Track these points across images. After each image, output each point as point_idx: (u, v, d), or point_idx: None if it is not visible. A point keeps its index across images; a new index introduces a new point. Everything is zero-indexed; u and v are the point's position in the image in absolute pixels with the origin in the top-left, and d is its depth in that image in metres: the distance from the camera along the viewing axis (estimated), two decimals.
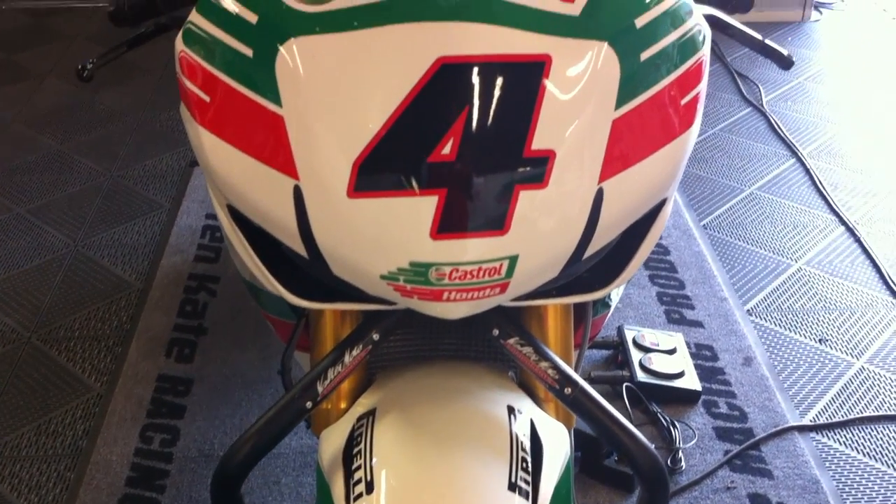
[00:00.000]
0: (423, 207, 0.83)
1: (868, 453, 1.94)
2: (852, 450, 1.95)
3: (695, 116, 0.93)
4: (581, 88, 0.84)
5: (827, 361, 2.18)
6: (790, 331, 2.28)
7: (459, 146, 0.81)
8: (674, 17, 0.90)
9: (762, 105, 3.33)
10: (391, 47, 0.83)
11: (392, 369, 1.11)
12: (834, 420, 2.02)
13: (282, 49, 0.85)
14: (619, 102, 0.86)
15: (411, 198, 0.83)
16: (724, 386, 2.11)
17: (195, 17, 0.92)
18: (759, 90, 3.42)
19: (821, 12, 4.12)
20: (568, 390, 1.00)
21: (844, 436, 1.99)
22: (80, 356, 2.24)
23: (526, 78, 0.83)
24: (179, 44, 0.94)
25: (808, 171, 2.92)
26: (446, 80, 0.82)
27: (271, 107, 0.85)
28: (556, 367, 1.01)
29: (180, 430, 2.01)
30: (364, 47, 0.84)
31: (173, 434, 2.00)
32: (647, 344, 2.14)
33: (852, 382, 2.12)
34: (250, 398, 2.10)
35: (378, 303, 0.95)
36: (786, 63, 1.11)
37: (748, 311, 2.35)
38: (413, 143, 0.82)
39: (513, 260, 0.86)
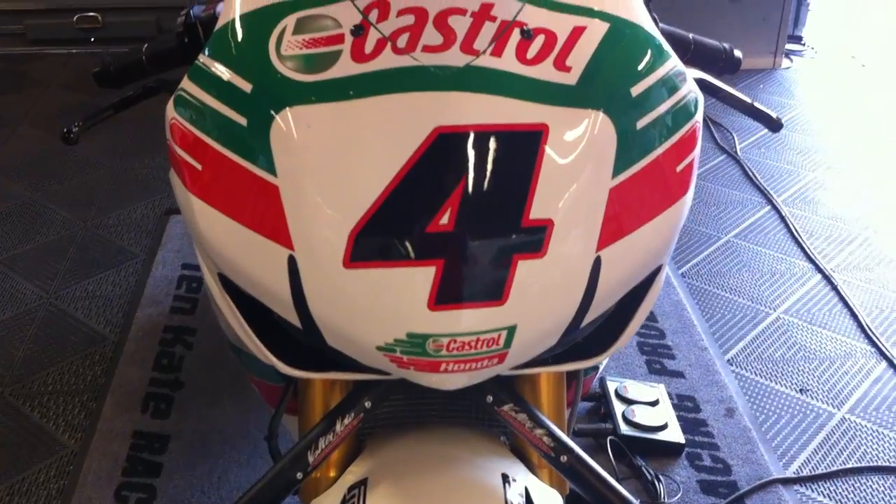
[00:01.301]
0: (421, 278, 0.82)
1: None
2: (836, 502, 1.94)
3: (690, 183, 0.92)
4: (578, 157, 0.84)
5: (808, 412, 2.18)
6: (771, 381, 2.28)
7: (457, 216, 0.81)
8: (668, 85, 0.90)
9: (736, 152, 3.36)
10: (388, 117, 0.82)
11: (382, 436, 1.09)
12: (817, 472, 2.01)
13: (277, 118, 0.84)
14: (616, 171, 0.86)
15: (408, 268, 0.82)
16: (708, 438, 2.10)
17: (187, 84, 0.91)
18: (733, 137, 3.45)
19: (791, 59, 4.18)
20: (564, 458, 0.99)
21: (828, 488, 1.98)
22: (53, 412, 2.19)
23: (523, 147, 0.83)
24: (171, 110, 0.92)
25: (783, 219, 2.94)
26: (443, 149, 0.81)
27: (266, 176, 0.84)
28: (551, 434, 1.00)
29: (157, 490, 1.97)
30: (360, 117, 0.83)
31: (150, 493, 1.96)
32: (629, 396, 2.13)
33: (834, 433, 2.12)
34: (229, 455, 2.06)
35: (372, 373, 0.93)
36: (774, 126, 1.11)
37: (728, 360, 2.35)
38: (410, 212, 0.81)
39: (511, 330, 0.84)
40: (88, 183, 3.18)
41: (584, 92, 0.85)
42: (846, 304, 2.54)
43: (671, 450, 2.05)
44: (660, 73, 0.90)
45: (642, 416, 2.08)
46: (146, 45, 1.11)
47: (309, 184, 0.83)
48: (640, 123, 0.87)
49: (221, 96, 0.88)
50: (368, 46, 0.85)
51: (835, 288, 2.61)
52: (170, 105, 0.93)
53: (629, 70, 0.88)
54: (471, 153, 0.81)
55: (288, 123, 0.84)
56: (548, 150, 0.83)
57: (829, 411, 2.18)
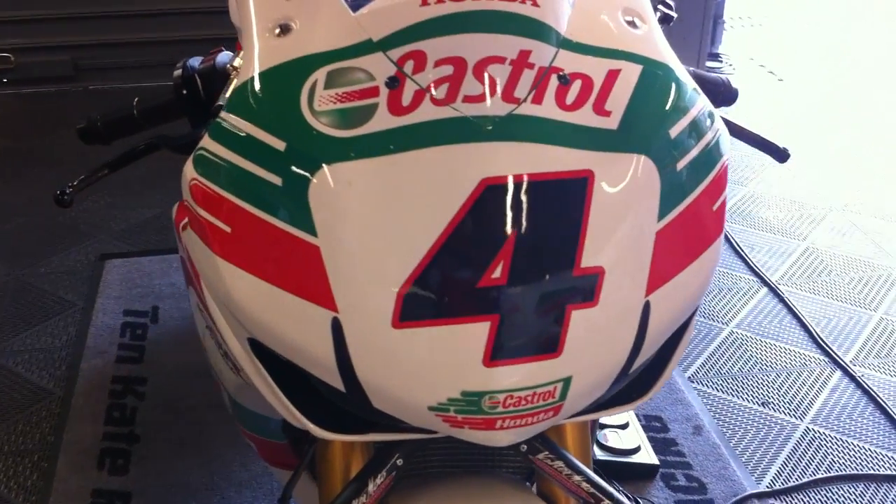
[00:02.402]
0: (475, 334, 0.79)
1: None
2: None
3: (724, 221, 0.92)
4: (625, 202, 0.83)
5: (773, 425, 2.21)
6: (732, 396, 2.30)
7: (510, 269, 0.79)
8: (701, 124, 0.90)
9: None
10: (432, 171, 0.80)
11: (406, 490, 1.05)
12: (790, 484, 2.04)
13: (315, 177, 0.81)
14: (661, 214, 0.85)
15: (462, 325, 0.79)
16: (679, 457, 2.11)
17: (209, 143, 0.87)
18: None
19: None
20: (605, 503, 0.97)
21: (802, 500, 2.01)
22: (3, 474, 2.08)
23: (571, 195, 0.81)
24: (190, 170, 0.88)
25: (724, 234, 2.99)
26: (491, 201, 0.79)
27: (305, 237, 0.81)
28: (589, 480, 0.98)
29: None
30: (403, 172, 0.80)
31: None
32: (599, 420, 2.12)
33: (800, 444, 2.15)
34: None
35: (417, 432, 0.90)
36: (782, 156, 1.12)
37: (689, 377, 2.37)
38: (461, 268, 0.79)
39: (567, 381, 0.83)
40: (15, 231, 3.05)
41: (625, 136, 0.84)
42: (795, 316, 2.59)
43: (646, 472, 2.05)
44: (693, 112, 0.89)
45: (614, 439, 2.08)
46: (137, 100, 1.06)
47: (353, 243, 0.80)
48: (680, 165, 0.86)
49: (251, 155, 0.84)
50: (406, 98, 0.82)
51: (782, 300, 2.66)
52: (188, 165, 0.89)
53: (666, 111, 0.87)
54: (519, 204, 0.79)
55: (327, 181, 0.81)
56: (595, 196, 0.81)
57: (793, 423, 2.22)
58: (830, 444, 2.15)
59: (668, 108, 0.87)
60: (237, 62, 0.99)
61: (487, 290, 0.79)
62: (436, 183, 0.80)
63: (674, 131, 0.87)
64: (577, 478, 0.98)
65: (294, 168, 0.82)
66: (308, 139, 0.82)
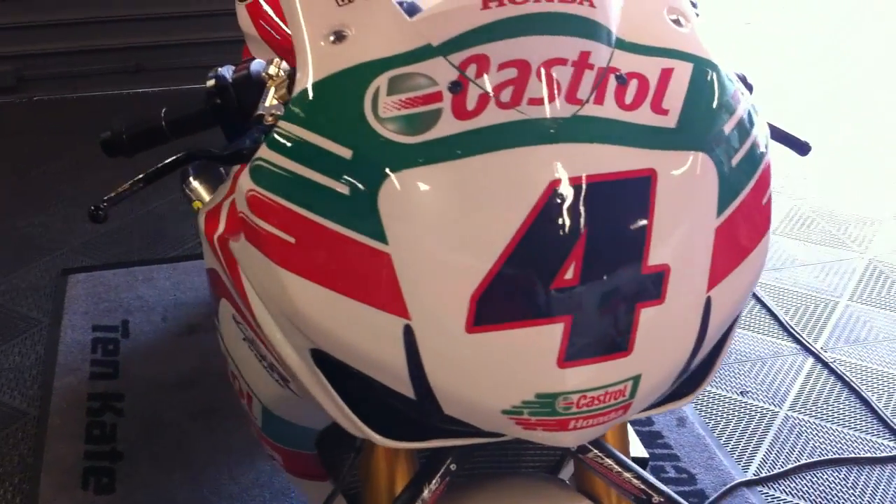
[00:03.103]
0: (549, 336, 0.80)
1: (814, 500, 2.01)
2: (800, 498, 2.02)
3: (771, 215, 0.94)
4: (687, 199, 0.84)
5: (753, 413, 2.26)
6: (712, 386, 2.34)
7: (581, 270, 0.79)
8: (749, 120, 0.91)
9: None
10: (501, 174, 0.80)
11: (450, 493, 1.05)
12: (776, 471, 2.08)
13: (384, 184, 0.80)
14: (720, 209, 0.86)
15: (536, 327, 0.80)
16: (666, 449, 2.14)
17: (267, 153, 0.86)
18: None
19: None
20: (655, 499, 0.98)
21: (789, 486, 2.05)
22: None
23: (636, 194, 0.82)
24: (247, 182, 0.87)
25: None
26: (561, 203, 0.80)
27: (375, 244, 0.80)
28: (640, 477, 0.99)
29: None
30: (472, 176, 0.80)
31: None
32: None
33: (782, 431, 2.20)
34: None
35: (482, 437, 0.90)
36: (804, 149, 1.15)
37: None
38: (534, 270, 0.79)
39: (636, 379, 0.84)
40: None
41: (684, 134, 0.85)
42: (764, 305, 2.64)
43: (637, 465, 2.07)
44: (742, 108, 0.91)
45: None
46: (165, 110, 1.04)
47: (425, 249, 0.80)
48: (734, 161, 0.88)
49: (315, 165, 0.83)
50: (470, 103, 0.82)
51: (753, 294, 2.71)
52: (245, 176, 0.87)
53: (720, 108, 0.88)
54: (588, 204, 0.80)
55: (397, 188, 0.80)
56: (659, 194, 0.83)
57: (773, 410, 2.26)
58: (810, 429, 2.21)
59: (720, 105, 0.89)
60: (272, 70, 0.98)
61: (560, 292, 0.79)
62: (505, 186, 0.80)
63: (727, 128, 0.88)
64: (626, 475, 0.99)
65: (362, 176, 0.81)
66: (375, 146, 0.81)
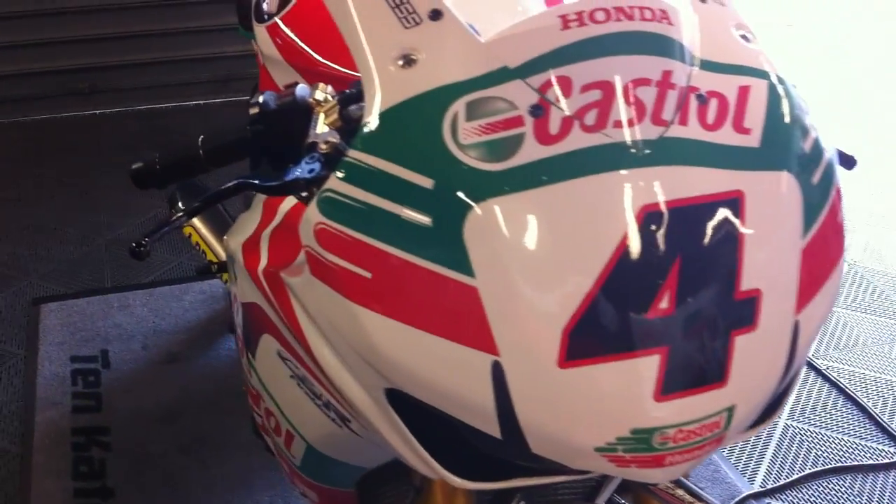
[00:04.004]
0: (646, 368, 0.77)
1: None
2: None
3: (845, 233, 0.92)
4: (775, 221, 0.82)
5: None
6: None
7: (676, 298, 0.76)
8: (822, 138, 0.89)
9: None
10: (590, 201, 0.77)
11: None
12: (782, 482, 2.07)
13: (470, 214, 0.76)
14: (805, 230, 0.84)
15: (632, 360, 0.76)
16: None
17: (337, 184, 0.81)
18: None
19: None
20: None
21: (796, 496, 2.04)
22: None
23: (725, 217, 0.80)
24: (315, 214, 0.82)
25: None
26: (653, 229, 0.76)
27: (461, 278, 0.76)
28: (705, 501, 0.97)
29: None
30: (560, 204, 0.77)
31: None
32: None
33: (783, 441, 2.19)
34: None
35: (568, 474, 0.86)
36: (849, 163, 1.13)
37: None
38: (629, 300, 0.76)
39: (731, 410, 0.81)
40: None
41: (768, 153, 0.83)
42: None
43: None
44: (814, 125, 0.89)
45: None
46: (202, 139, 0.98)
47: (514, 281, 0.76)
48: (814, 179, 0.86)
49: (393, 195, 0.79)
50: (553, 127, 0.78)
51: None
52: (312, 209, 0.83)
53: (797, 126, 0.86)
54: (680, 229, 0.77)
55: (483, 218, 0.76)
56: (748, 216, 0.80)
57: (773, 421, 2.25)
58: (812, 438, 2.20)
59: (797, 122, 0.86)
60: (318, 95, 0.94)
61: (656, 322, 0.76)
62: (595, 213, 0.77)
63: (807, 145, 0.86)
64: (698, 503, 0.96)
65: (445, 206, 0.77)
66: (458, 175, 0.77)
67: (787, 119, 0.86)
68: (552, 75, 0.80)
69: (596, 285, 0.75)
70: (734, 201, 0.80)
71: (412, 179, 0.78)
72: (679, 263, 0.76)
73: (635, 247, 0.76)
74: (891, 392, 2.34)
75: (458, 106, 0.80)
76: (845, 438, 2.20)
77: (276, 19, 1.31)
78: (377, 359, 0.81)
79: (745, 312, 0.79)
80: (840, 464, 2.12)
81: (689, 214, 0.78)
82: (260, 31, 1.32)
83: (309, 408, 1.03)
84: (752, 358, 0.80)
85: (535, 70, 0.80)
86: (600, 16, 0.81)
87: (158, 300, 2.73)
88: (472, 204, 0.77)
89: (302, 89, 0.95)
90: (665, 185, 0.78)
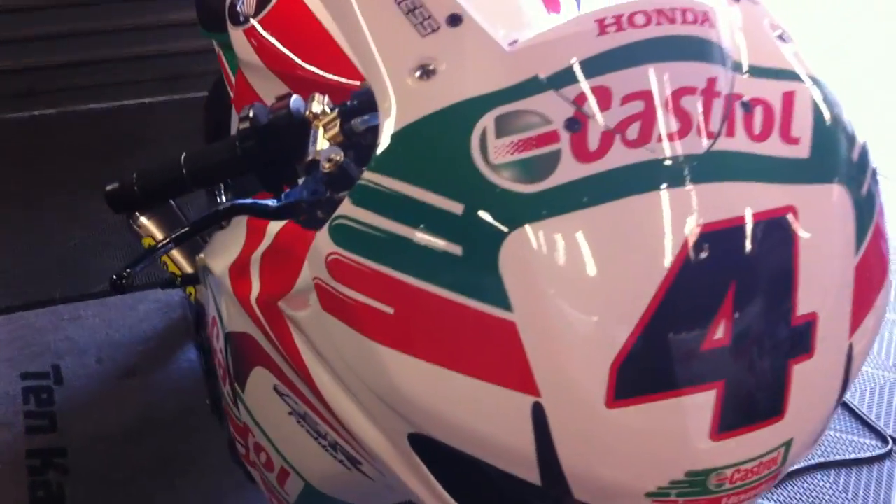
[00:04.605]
0: (701, 405, 0.70)
1: None
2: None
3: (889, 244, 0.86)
4: (829, 237, 0.76)
5: None
6: None
7: (732, 327, 0.69)
8: (867, 145, 0.83)
9: None
10: (636, 223, 0.70)
11: None
12: None
13: (507, 241, 0.69)
14: (857, 245, 0.78)
15: (686, 396, 0.70)
16: None
17: (353, 210, 0.73)
18: None
19: None
20: None
21: (781, 493, 2.02)
22: None
23: (779, 236, 0.73)
24: (326, 244, 0.74)
25: None
26: (706, 252, 0.70)
27: (497, 312, 0.69)
28: None
29: None
30: (604, 228, 0.70)
31: None
32: None
33: None
34: None
35: None
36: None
37: None
38: (682, 332, 0.70)
39: (788, 445, 0.75)
40: None
41: (818, 164, 0.77)
42: None
43: None
44: (858, 132, 0.82)
45: None
46: (185, 157, 0.89)
47: (556, 314, 0.69)
48: (863, 190, 0.80)
49: (418, 222, 0.71)
50: (592, 142, 0.71)
51: None
52: (324, 237, 0.74)
53: (843, 133, 0.80)
54: (734, 252, 0.71)
55: (522, 245, 0.69)
56: (801, 234, 0.74)
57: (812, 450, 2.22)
58: None
59: (843, 129, 0.80)
60: (315, 107, 0.86)
61: (711, 354, 0.70)
62: (642, 237, 0.70)
63: (854, 154, 0.80)
64: None
65: (478, 233, 0.69)
66: (491, 198, 0.70)
67: (834, 126, 0.79)
68: (589, 85, 0.72)
69: (645, 316, 0.69)
70: (787, 218, 0.73)
71: (439, 204, 0.70)
72: (734, 289, 0.70)
73: (687, 273, 0.69)
74: (873, 386, 2.32)
75: (487, 121, 0.72)
76: (829, 434, 2.17)
77: (254, 22, 1.21)
78: (401, 402, 0.73)
79: (801, 339, 0.73)
80: (824, 459, 2.09)
81: (741, 235, 0.71)
82: (236, 34, 1.22)
83: (311, 447, 0.95)
84: (809, 387, 0.74)
85: (570, 80, 0.73)
86: (640, 19, 0.74)
87: (111, 311, 2.61)
88: (509, 230, 0.69)
89: (296, 101, 0.87)
90: (716, 204, 0.71)
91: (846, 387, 0.79)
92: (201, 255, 1.18)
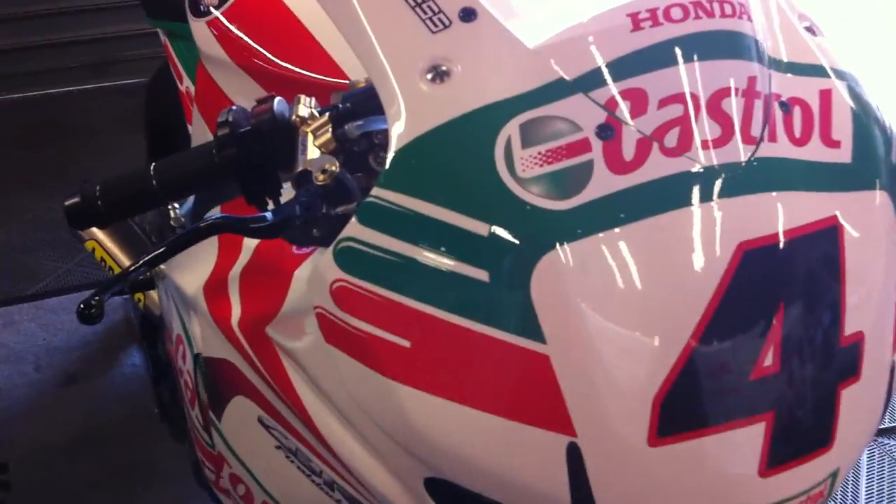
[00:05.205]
0: (749, 439, 0.65)
1: None
2: None
3: None
4: (873, 248, 0.71)
5: None
6: None
7: (782, 353, 0.64)
8: None
9: None
10: (677, 241, 0.64)
11: None
12: None
13: (539, 266, 0.62)
14: None
15: (735, 430, 0.64)
16: None
17: (360, 231, 0.65)
18: None
19: None
20: None
21: None
22: None
23: (825, 250, 0.68)
24: (331, 269, 0.66)
25: None
26: (753, 272, 0.64)
27: (528, 345, 0.62)
28: None
29: None
30: (644, 246, 0.64)
31: None
32: None
33: None
34: None
35: None
36: None
37: None
38: (729, 361, 0.64)
39: (834, 476, 0.70)
40: None
41: (861, 169, 0.71)
42: None
43: None
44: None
45: None
46: (156, 167, 0.79)
47: (594, 345, 0.62)
48: None
49: (437, 244, 0.63)
50: (627, 151, 0.64)
51: None
52: (328, 262, 0.66)
53: (882, 134, 0.75)
54: (782, 270, 0.65)
55: (555, 269, 0.62)
56: (847, 246, 0.68)
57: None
58: None
59: (884, 130, 0.75)
60: (302, 110, 0.77)
61: (760, 383, 0.64)
62: (685, 256, 0.63)
63: (894, 156, 0.74)
64: None
65: (506, 257, 0.62)
66: (520, 217, 0.63)
67: (872, 127, 0.74)
68: (623, 87, 0.65)
69: (690, 345, 0.63)
70: (832, 230, 0.68)
71: (461, 224, 0.63)
72: (782, 311, 0.64)
73: (734, 296, 0.63)
74: None
75: (511, 129, 0.64)
76: None
77: (217, 13, 1.11)
78: (419, 444, 0.66)
79: (849, 361, 0.69)
80: None
81: (787, 250, 0.65)
82: (198, 26, 1.12)
83: (303, 485, 0.87)
84: (856, 412, 0.70)
85: (600, 82, 0.66)
86: (677, 13, 0.67)
87: (48, 313, 2.48)
88: (541, 253, 0.62)
89: (280, 104, 0.78)
90: (761, 218, 0.65)
91: (887, 407, 0.74)
92: (164, 268, 1.09)
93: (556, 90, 0.66)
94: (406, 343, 0.64)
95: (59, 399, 2.20)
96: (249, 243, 0.91)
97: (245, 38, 1.09)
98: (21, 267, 2.66)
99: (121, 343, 2.37)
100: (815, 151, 0.69)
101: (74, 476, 1.99)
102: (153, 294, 1.46)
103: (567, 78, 0.66)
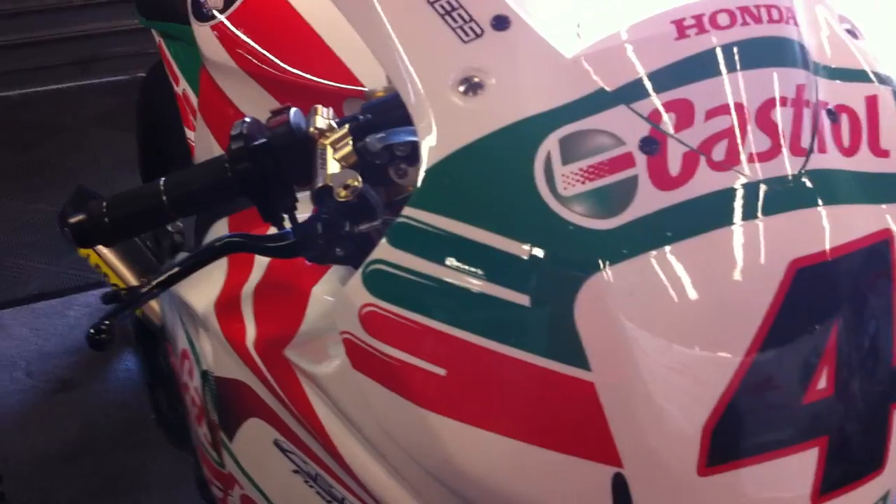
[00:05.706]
0: (802, 465, 0.63)
1: None
2: None
3: None
4: None
5: None
6: None
7: (836, 375, 0.61)
8: None
9: None
10: (728, 260, 0.61)
11: None
12: None
13: (583, 289, 0.59)
14: None
15: (787, 457, 0.62)
16: None
17: (390, 252, 0.62)
18: None
19: None
20: None
21: None
22: None
23: (876, 265, 0.65)
24: (360, 293, 0.63)
25: None
26: (806, 290, 0.61)
27: (572, 372, 0.59)
28: None
29: None
30: (693, 266, 0.61)
31: None
32: None
33: None
34: None
35: None
36: None
37: None
38: (782, 385, 0.61)
39: (885, 499, 0.67)
40: None
41: None
42: None
43: None
44: None
45: None
46: (165, 182, 0.75)
47: (641, 372, 0.59)
48: None
49: (474, 267, 0.60)
50: (673, 166, 0.61)
51: None
52: (356, 286, 0.63)
53: None
54: (835, 289, 0.63)
55: (601, 293, 0.59)
56: None
57: None
58: None
59: None
60: (319, 122, 0.74)
61: (814, 407, 0.62)
62: (736, 276, 0.61)
63: None
64: None
65: (549, 280, 0.59)
66: (564, 238, 0.59)
67: None
68: (667, 98, 0.62)
69: (741, 369, 0.60)
70: (884, 244, 0.65)
71: (499, 245, 0.60)
72: (836, 332, 0.61)
73: (786, 316, 0.60)
74: None
75: (550, 144, 0.61)
76: None
77: (223, 18, 1.07)
78: (455, 478, 0.63)
79: None
80: None
81: (841, 266, 0.63)
82: (202, 31, 1.08)
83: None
84: None
85: (643, 92, 0.62)
86: (724, 19, 0.63)
87: (39, 318, 2.44)
88: (586, 276, 0.59)
89: (297, 115, 0.75)
90: (813, 234, 0.62)
91: None
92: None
93: (597, 102, 0.62)
94: (441, 371, 0.61)
95: (54, 406, 2.16)
96: (262, 258, 0.87)
97: (252, 43, 1.05)
98: (10, 270, 2.61)
99: (113, 348, 2.33)
100: (864, 162, 0.66)
101: (69, 484, 1.95)
102: (152, 303, 1.42)
103: (608, 89, 0.62)
